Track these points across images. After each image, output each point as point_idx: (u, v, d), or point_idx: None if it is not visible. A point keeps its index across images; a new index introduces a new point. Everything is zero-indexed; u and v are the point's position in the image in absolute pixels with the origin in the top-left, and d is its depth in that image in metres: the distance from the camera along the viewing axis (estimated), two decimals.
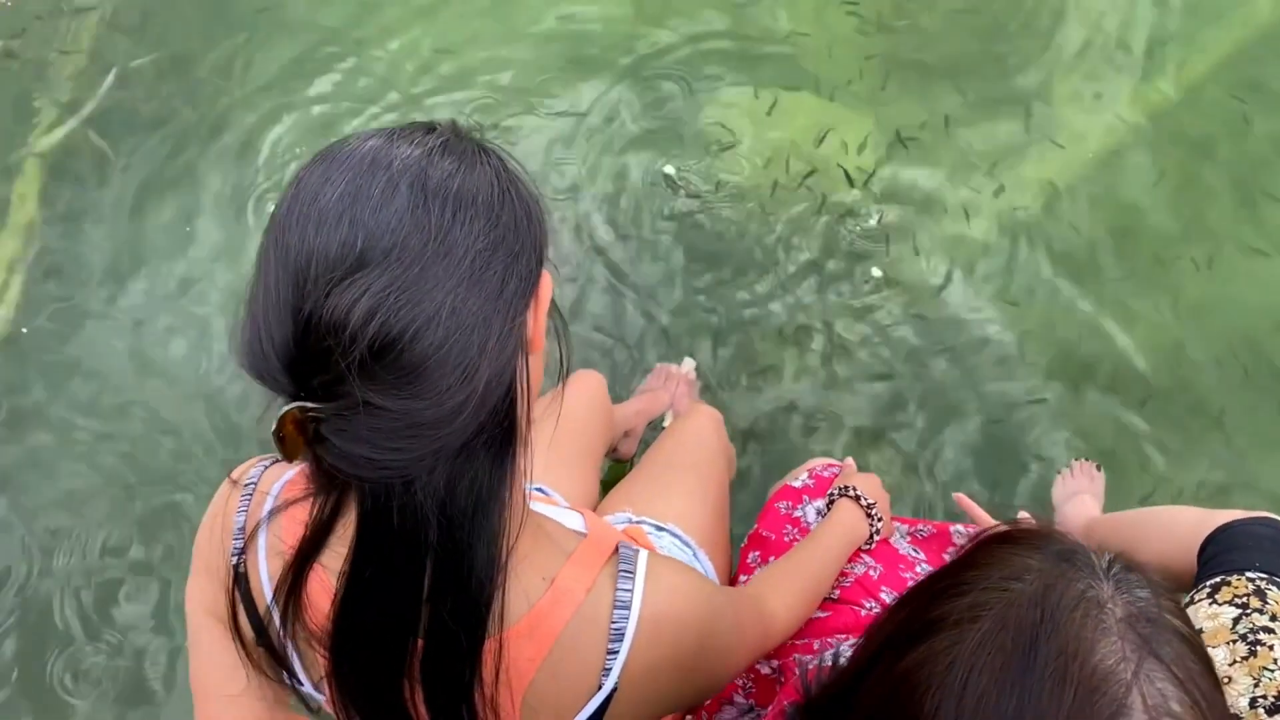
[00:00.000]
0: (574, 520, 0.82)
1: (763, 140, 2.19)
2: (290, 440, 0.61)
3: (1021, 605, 0.51)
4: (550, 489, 1.21)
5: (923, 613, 0.56)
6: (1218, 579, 1.20)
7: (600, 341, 1.99)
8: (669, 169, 2.15)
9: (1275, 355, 1.98)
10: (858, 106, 2.23)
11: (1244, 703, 1.04)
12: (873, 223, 2.12)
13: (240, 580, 0.78)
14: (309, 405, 0.60)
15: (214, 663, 0.84)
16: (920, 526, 1.36)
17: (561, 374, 0.75)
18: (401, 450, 0.61)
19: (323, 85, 2.25)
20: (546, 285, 0.69)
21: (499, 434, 0.66)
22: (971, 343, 2.02)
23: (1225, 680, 1.07)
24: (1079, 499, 1.85)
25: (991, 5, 2.35)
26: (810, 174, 2.13)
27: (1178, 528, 1.36)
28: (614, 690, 0.74)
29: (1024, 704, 0.48)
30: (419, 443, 0.61)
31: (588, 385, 1.42)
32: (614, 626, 0.73)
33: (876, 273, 2.07)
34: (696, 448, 1.37)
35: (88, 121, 2.16)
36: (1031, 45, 2.29)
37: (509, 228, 0.65)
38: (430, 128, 0.68)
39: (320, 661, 0.75)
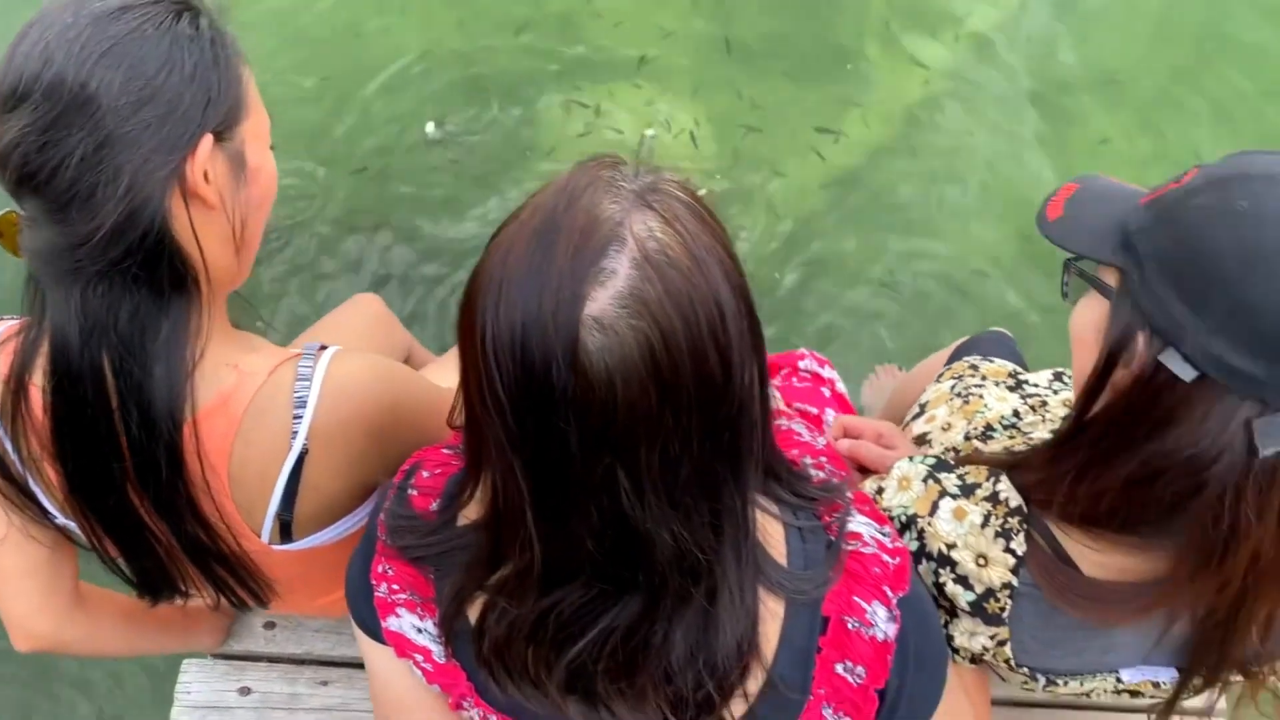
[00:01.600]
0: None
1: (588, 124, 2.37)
2: (6, 236, 0.76)
3: (550, 193, 0.61)
4: None
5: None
6: (943, 370, 1.39)
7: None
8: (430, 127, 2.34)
9: None
10: (685, 87, 2.43)
11: (960, 438, 1.21)
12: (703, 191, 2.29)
13: None
14: (15, 212, 0.74)
15: None
16: None
17: (234, 233, 0.81)
18: (52, 265, 0.73)
19: None
20: (205, 147, 0.74)
21: (155, 271, 0.75)
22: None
23: (946, 427, 1.24)
24: (884, 392, 2.03)
25: None
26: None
27: (933, 364, 1.56)
28: (305, 451, 0.82)
29: (545, 255, 0.57)
30: (61, 262, 0.73)
31: (366, 305, 1.48)
32: (297, 395, 0.82)
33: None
34: None
35: None
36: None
37: (164, 89, 0.72)
38: None
39: (55, 480, 0.81)
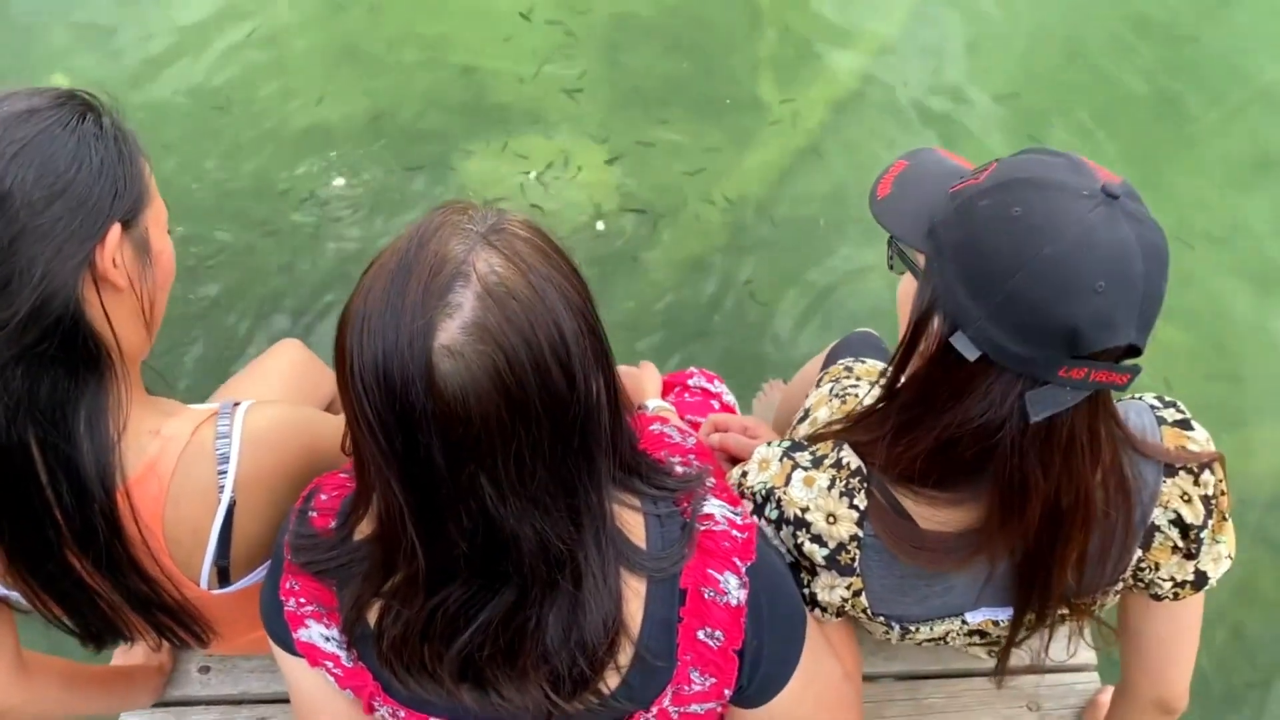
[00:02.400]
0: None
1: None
2: None
3: (406, 238, 0.68)
4: None
5: None
6: (821, 375, 1.51)
7: None
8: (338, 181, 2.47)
9: None
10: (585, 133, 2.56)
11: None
12: (601, 227, 2.42)
13: None
14: None
15: None
16: None
17: (144, 313, 0.87)
18: None
19: None
20: (114, 236, 0.81)
21: (70, 352, 0.80)
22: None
23: (828, 427, 1.35)
24: (773, 406, 2.15)
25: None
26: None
27: (810, 370, 1.69)
28: (233, 502, 0.89)
29: (400, 292, 0.65)
30: None
31: (288, 351, 1.52)
32: (219, 452, 0.89)
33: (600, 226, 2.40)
34: None
35: None
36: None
37: (75, 184, 0.78)
38: (52, 91, 0.82)
39: None
